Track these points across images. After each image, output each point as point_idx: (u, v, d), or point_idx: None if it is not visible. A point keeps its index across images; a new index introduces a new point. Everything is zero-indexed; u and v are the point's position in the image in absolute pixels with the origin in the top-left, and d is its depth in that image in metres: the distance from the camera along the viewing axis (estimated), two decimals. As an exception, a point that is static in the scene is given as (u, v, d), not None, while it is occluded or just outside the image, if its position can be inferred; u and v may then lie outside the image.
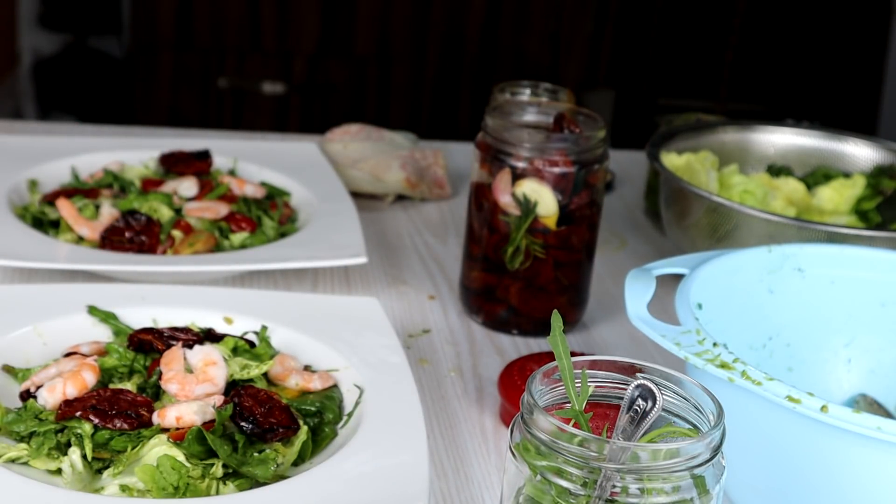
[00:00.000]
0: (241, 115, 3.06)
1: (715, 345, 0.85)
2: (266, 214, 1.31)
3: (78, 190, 1.31)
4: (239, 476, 0.88)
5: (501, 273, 1.18)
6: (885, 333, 1.04)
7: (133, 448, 0.88)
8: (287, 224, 1.33)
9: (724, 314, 0.97)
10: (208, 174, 1.37)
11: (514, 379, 1.04)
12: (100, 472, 0.88)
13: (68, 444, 0.88)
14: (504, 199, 1.15)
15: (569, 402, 0.68)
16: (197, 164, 1.38)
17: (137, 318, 1.05)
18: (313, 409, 0.96)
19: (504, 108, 1.20)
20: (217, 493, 0.86)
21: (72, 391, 0.92)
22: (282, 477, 0.89)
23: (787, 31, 3.33)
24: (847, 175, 1.42)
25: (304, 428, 0.92)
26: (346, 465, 0.87)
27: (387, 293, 1.27)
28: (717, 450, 0.65)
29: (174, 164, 1.38)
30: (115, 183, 1.34)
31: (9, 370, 0.98)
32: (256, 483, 0.87)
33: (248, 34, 3.00)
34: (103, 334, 1.03)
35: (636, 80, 3.29)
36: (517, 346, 1.19)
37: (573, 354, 0.70)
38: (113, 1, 3.35)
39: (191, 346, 0.98)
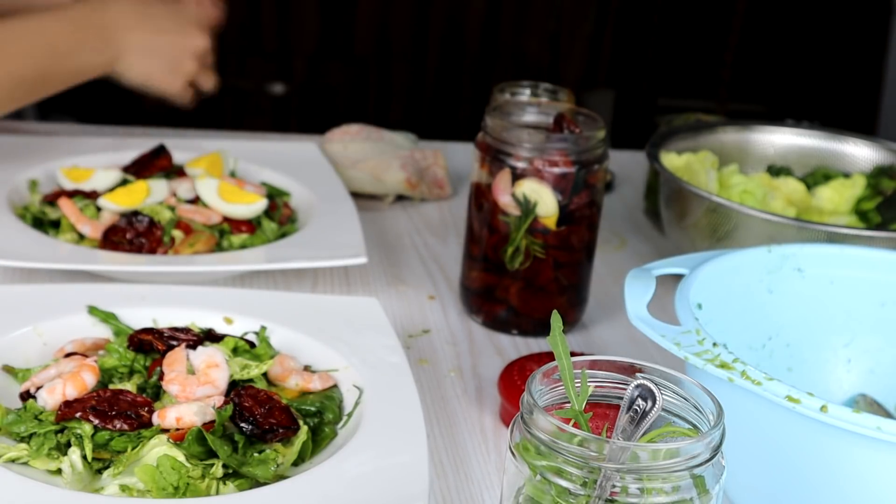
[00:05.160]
0: (241, 115, 3.06)
1: (715, 345, 0.85)
2: (266, 215, 1.31)
3: (79, 190, 1.31)
4: (239, 476, 0.88)
5: (501, 273, 1.18)
6: (885, 333, 1.04)
7: (133, 448, 0.88)
8: (287, 224, 1.33)
9: (724, 314, 0.97)
10: (171, 168, 1.37)
11: (514, 379, 1.04)
12: (100, 472, 0.88)
13: (68, 445, 0.88)
14: (504, 199, 1.15)
15: (569, 402, 0.68)
16: (158, 162, 1.37)
17: (137, 318, 1.05)
18: (313, 409, 0.96)
19: (504, 108, 1.20)
20: (217, 493, 0.86)
21: (72, 392, 0.92)
22: (282, 477, 0.89)
23: (787, 31, 3.33)
24: (847, 175, 1.42)
25: (304, 428, 0.92)
26: (346, 465, 0.87)
27: (387, 293, 1.27)
28: (716, 450, 0.65)
29: (139, 170, 1.35)
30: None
31: (9, 370, 0.98)
32: (256, 483, 0.87)
33: (249, 35, 3.00)
34: (103, 334, 1.03)
35: (636, 80, 3.29)
36: (517, 346, 1.19)
37: (573, 354, 0.70)
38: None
39: (193, 347, 0.98)
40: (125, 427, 0.89)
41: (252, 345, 1.03)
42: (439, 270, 1.34)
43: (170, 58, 1.42)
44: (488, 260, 1.19)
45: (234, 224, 1.28)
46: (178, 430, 0.89)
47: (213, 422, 0.90)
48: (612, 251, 1.44)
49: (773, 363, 1.03)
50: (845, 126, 1.54)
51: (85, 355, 0.98)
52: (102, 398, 0.91)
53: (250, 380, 0.98)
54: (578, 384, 0.69)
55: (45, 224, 1.27)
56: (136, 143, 1.46)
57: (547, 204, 1.14)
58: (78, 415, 0.89)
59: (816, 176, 1.42)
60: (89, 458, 0.87)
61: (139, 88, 1.42)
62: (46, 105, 3.50)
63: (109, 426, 0.89)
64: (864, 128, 3.13)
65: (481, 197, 1.18)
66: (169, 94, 1.45)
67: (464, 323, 1.23)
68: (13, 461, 0.87)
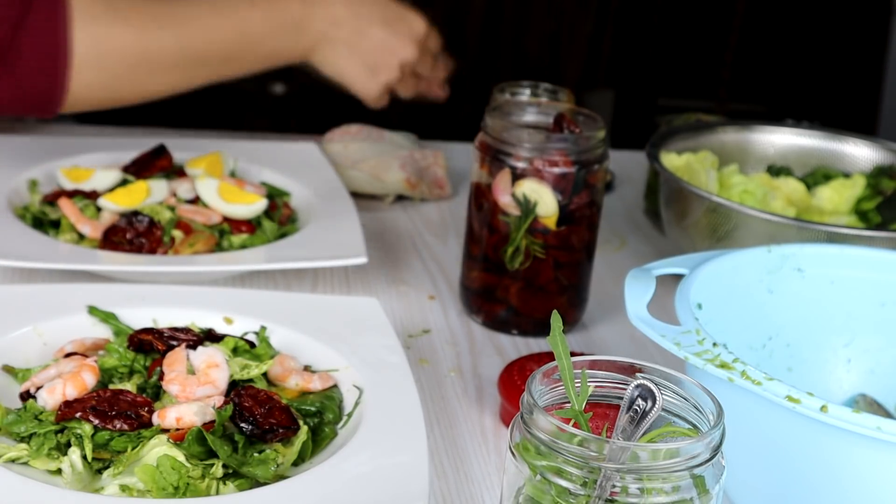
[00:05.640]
0: (241, 115, 3.05)
1: (715, 345, 0.85)
2: (266, 215, 1.31)
3: (79, 190, 1.31)
4: (239, 476, 0.88)
5: (501, 273, 1.18)
6: (885, 333, 1.04)
7: (133, 448, 0.88)
8: (287, 224, 1.32)
9: (724, 314, 0.97)
10: (171, 168, 1.37)
11: (514, 379, 1.04)
12: (100, 472, 0.88)
13: (68, 445, 0.88)
14: (504, 199, 1.15)
15: (569, 402, 0.68)
16: (158, 162, 1.37)
17: (137, 318, 1.05)
18: (313, 409, 0.96)
19: (504, 108, 1.20)
20: (217, 493, 0.86)
21: (72, 392, 0.92)
22: (282, 477, 0.89)
23: (787, 31, 3.33)
24: (847, 175, 1.42)
25: (304, 428, 0.92)
26: (346, 465, 0.87)
27: (387, 293, 1.27)
28: (716, 450, 0.65)
29: (139, 170, 1.35)
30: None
31: (9, 370, 0.98)
32: (256, 483, 0.87)
33: (248, 34, 2.99)
34: (103, 334, 1.03)
35: (636, 80, 3.29)
36: (517, 346, 1.19)
37: (573, 354, 0.70)
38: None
39: (193, 347, 0.98)
40: (125, 427, 0.89)
41: (252, 345, 1.03)
42: (439, 270, 1.34)
43: (371, 61, 1.38)
44: (488, 260, 1.19)
45: (234, 224, 1.28)
46: (178, 430, 0.89)
47: (213, 422, 0.90)
48: (612, 251, 1.44)
49: (773, 363, 1.03)
50: (845, 126, 1.54)
51: (85, 355, 0.98)
52: (102, 398, 0.91)
53: (250, 380, 0.98)
54: (578, 384, 0.69)
55: (45, 224, 1.27)
56: (136, 143, 1.46)
57: (547, 204, 1.14)
58: (78, 415, 0.89)
59: (816, 176, 1.42)
60: (89, 458, 0.87)
61: (334, 82, 1.38)
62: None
63: (109, 426, 0.89)
64: (864, 128, 3.13)
65: (481, 197, 1.18)
66: (361, 95, 1.42)
67: (464, 323, 1.23)
68: (13, 461, 0.87)
